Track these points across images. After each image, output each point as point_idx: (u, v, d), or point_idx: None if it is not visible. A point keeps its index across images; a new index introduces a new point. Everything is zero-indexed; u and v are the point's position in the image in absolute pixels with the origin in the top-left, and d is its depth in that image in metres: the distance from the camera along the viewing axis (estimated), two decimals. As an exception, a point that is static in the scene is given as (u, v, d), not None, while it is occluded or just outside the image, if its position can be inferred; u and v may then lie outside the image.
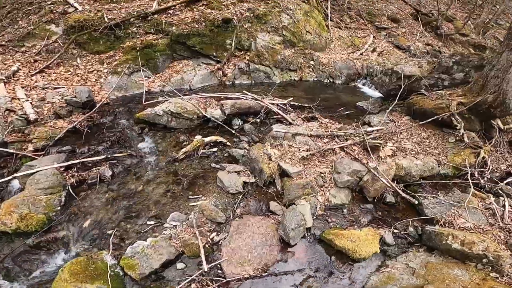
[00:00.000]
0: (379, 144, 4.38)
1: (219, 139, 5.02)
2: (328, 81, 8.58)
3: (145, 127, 5.69)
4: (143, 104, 6.11)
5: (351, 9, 11.60)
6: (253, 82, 7.58)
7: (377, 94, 7.76)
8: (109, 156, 4.76)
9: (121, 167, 4.70)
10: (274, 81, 7.79)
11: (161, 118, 5.47)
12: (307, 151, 4.36)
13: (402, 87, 5.78)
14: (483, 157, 4.52)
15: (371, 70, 8.86)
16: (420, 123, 5.07)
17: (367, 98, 7.75)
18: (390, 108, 5.62)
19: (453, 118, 4.80)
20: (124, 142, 5.42)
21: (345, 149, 4.46)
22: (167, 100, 5.70)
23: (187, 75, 7.07)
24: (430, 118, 5.13)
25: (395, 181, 4.29)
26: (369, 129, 4.85)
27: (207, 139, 4.99)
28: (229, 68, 7.48)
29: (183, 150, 4.92)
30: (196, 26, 7.14)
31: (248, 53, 7.54)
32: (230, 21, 7.37)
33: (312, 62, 8.49)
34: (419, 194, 4.22)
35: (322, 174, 4.18)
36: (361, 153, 4.49)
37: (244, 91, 6.32)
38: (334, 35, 9.67)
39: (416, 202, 4.11)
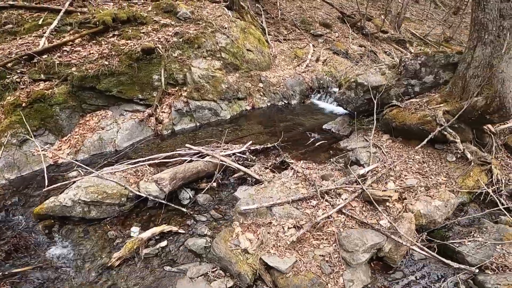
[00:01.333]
0: (387, 198, 3.28)
1: (166, 228, 3.44)
2: (283, 103, 7.52)
3: (54, 223, 3.88)
4: (47, 189, 4.23)
5: (285, 20, 10.95)
6: (197, 124, 6.10)
7: (338, 109, 6.92)
8: (6, 273, 3.01)
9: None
10: (223, 117, 6.42)
11: (73, 209, 3.69)
12: (295, 228, 3.05)
13: (375, 101, 4.91)
14: (497, 174, 3.76)
15: (321, 81, 8.09)
16: (417, 147, 4.17)
17: (330, 116, 6.88)
18: (375, 127, 4.67)
19: (446, 133, 3.98)
20: (25, 249, 3.65)
21: (343, 210, 3.27)
22: (79, 179, 3.92)
23: (107, 132, 5.29)
24: (417, 136, 4.28)
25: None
26: (361, 171, 3.75)
27: (147, 233, 3.37)
28: (163, 111, 5.90)
29: (116, 255, 3.25)
30: (107, 63, 5.45)
31: (184, 88, 6.06)
32: (154, 51, 5.84)
33: (261, 85, 7.36)
34: (451, 241, 3.23)
35: (325, 258, 2.90)
36: (364, 209, 3.35)
37: (187, 145, 4.83)
38: (276, 49, 8.76)
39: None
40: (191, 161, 4.32)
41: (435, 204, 3.44)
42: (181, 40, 6.27)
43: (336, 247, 2.97)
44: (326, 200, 3.53)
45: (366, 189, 3.40)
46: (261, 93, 7.34)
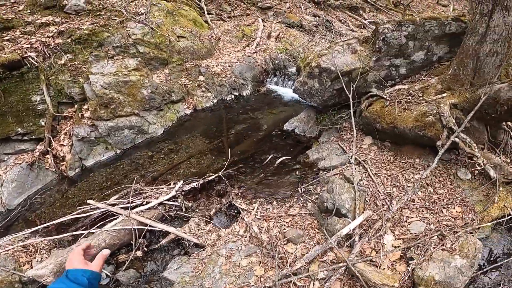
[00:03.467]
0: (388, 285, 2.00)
1: None
2: (233, 96, 5.93)
3: None
4: None
5: (228, -9, 8.89)
6: (118, 152, 4.45)
7: (295, 95, 5.49)
8: None
9: None
10: (153, 133, 4.79)
11: None
12: None
13: (350, 95, 3.50)
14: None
15: (276, 62, 6.50)
16: (428, 171, 2.85)
17: (292, 106, 5.43)
18: (355, 135, 3.31)
19: (458, 140, 2.70)
20: None
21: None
22: None
23: (-23, 194, 3.60)
24: (411, 140, 3.00)
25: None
26: (344, 229, 2.43)
27: None
28: (62, 144, 4.19)
29: None
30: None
31: (85, 106, 4.30)
32: (22, 63, 3.95)
33: (201, 78, 5.67)
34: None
35: None
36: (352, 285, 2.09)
37: (90, 201, 3.32)
38: (219, 30, 6.93)
39: None
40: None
41: (456, 263, 2.25)
42: (69, 40, 4.36)
43: None
44: (295, 285, 2.23)
45: (354, 264, 2.11)
46: (203, 89, 5.68)
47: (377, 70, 3.50)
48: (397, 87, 3.37)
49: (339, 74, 3.58)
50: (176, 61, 5.54)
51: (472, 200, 2.73)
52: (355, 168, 3.01)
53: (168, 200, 3.36)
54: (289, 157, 3.84)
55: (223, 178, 3.60)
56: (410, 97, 3.10)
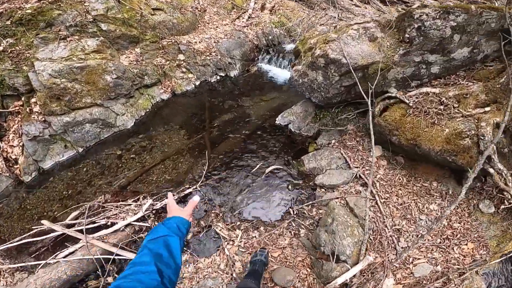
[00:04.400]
0: None
1: None
2: (218, 77, 5.15)
3: None
4: None
5: None
6: (80, 150, 3.80)
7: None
8: None
9: None
10: (121, 125, 4.11)
11: None
12: None
13: (369, 100, 2.83)
14: None
15: (270, 37, 5.60)
16: (450, 209, 2.33)
17: (286, 92, 4.71)
18: (374, 146, 2.74)
19: (492, 171, 2.15)
20: None
21: None
22: None
23: None
24: (434, 162, 2.44)
25: None
26: (340, 279, 1.98)
27: None
28: (12, 145, 3.51)
29: None
30: None
31: (33, 99, 3.54)
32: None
33: (181, 57, 4.83)
34: None
35: None
36: None
37: (43, 221, 2.81)
38: (205, 0, 5.81)
39: None
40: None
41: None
42: (9, 22, 3.43)
43: None
44: None
45: None
46: (184, 69, 4.87)
47: (402, 67, 2.77)
48: (424, 89, 2.69)
49: (352, 70, 2.83)
50: (150, 38, 4.63)
51: (487, 235, 2.26)
52: (366, 199, 2.46)
53: (137, 220, 2.85)
54: (280, 166, 3.25)
55: (202, 193, 3.05)
56: (441, 106, 2.44)
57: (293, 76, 3.49)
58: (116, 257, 2.61)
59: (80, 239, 2.68)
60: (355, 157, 2.93)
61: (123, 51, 4.31)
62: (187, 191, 3.06)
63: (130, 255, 2.62)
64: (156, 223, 2.87)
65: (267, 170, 3.22)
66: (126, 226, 2.83)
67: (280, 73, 5.14)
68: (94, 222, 2.88)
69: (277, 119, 3.97)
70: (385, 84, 2.88)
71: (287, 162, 3.37)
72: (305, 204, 2.82)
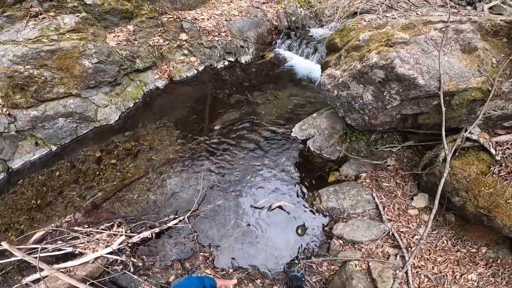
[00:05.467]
0: None
1: None
2: (226, 63, 4.34)
3: None
4: None
5: None
6: (54, 147, 3.23)
7: (315, 69, 3.93)
8: None
9: None
10: (103, 120, 3.47)
11: None
12: None
13: (443, 130, 2.06)
14: None
15: (293, 18, 4.63)
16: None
17: (308, 89, 3.89)
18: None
19: None
20: None
21: None
22: None
23: None
24: (496, 232, 1.74)
25: None
26: None
27: None
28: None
29: None
30: None
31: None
32: None
33: (184, 37, 4.02)
34: None
35: None
36: None
37: (3, 243, 2.26)
38: None
39: None
40: None
41: None
42: None
43: None
44: None
45: None
46: (186, 51, 4.07)
47: (508, 100, 1.88)
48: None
49: (442, 100, 1.88)
50: (147, 14, 3.79)
51: None
52: (395, 278, 1.79)
53: (109, 253, 2.30)
54: (291, 205, 2.57)
55: (190, 227, 2.44)
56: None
57: (325, 83, 2.63)
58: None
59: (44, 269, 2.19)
60: (391, 205, 2.23)
61: (111, 29, 3.52)
62: (172, 222, 2.46)
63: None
64: (132, 258, 2.32)
65: (274, 205, 2.56)
66: (97, 258, 2.29)
67: (302, 64, 4.27)
68: (60, 250, 2.35)
69: (293, 130, 3.21)
70: (467, 120, 2.03)
71: (300, 192, 2.69)
72: (315, 257, 2.20)
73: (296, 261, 2.25)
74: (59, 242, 2.39)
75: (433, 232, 2.09)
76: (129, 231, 2.40)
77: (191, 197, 2.67)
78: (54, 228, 2.47)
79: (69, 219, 2.61)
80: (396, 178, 2.35)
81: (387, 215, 2.21)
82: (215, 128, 3.40)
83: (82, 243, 2.37)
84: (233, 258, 2.32)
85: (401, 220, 2.16)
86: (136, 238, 2.36)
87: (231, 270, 2.25)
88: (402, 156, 2.45)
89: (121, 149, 3.21)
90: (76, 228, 2.45)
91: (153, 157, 3.11)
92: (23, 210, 2.79)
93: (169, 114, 3.59)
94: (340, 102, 2.49)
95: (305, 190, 2.70)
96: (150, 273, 2.28)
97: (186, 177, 2.88)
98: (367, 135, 2.68)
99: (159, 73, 3.92)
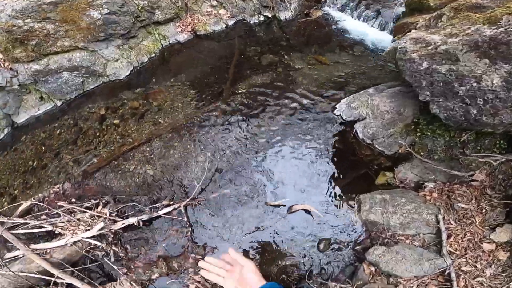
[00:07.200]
0: None
1: None
2: (262, 18, 3.57)
3: None
4: None
5: None
6: (59, 102, 2.95)
7: (375, 36, 3.03)
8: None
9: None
10: (113, 75, 3.08)
11: None
12: None
13: None
14: None
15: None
16: None
17: (362, 57, 3.01)
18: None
19: None
20: None
21: None
22: None
23: None
24: None
25: None
26: None
27: None
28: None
29: None
30: None
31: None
32: None
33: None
34: None
35: None
36: None
37: None
38: None
39: None
40: None
41: None
42: None
43: None
44: None
45: None
46: (214, 3, 3.41)
47: None
48: None
49: None
50: None
51: None
52: None
53: (90, 237, 1.93)
54: (316, 211, 1.91)
55: (186, 219, 1.95)
56: None
57: (407, 50, 1.75)
58: (58, 280, 1.82)
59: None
60: (461, 234, 1.51)
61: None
62: (164, 210, 1.98)
63: (73, 281, 1.79)
64: (114, 247, 1.92)
65: (297, 207, 1.94)
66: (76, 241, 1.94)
67: (357, 27, 3.34)
68: (41, 227, 2.05)
69: (338, 106, 2.48)
70: None
71: (333, 193, 2.02)
72: (334, 281, 1.59)
73: (307, 280, 1.67)
74: (43, 217, 2.08)
75: (502, 274, 1.33)
76: (114, 214, 1.98)
77: (195, 178, 2.15)
78: (36, 203, 2.16)
79: (58, 189, 2.29)
80: (480, 199, 1.56)
81: (451, 246, 1.49)
82: (238, 91, 2.77)
83: (62, 223, 2.02)
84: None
85: (468, 255, 1.45)
86: (119, 225, 1.94)
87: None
88: (497, 171, 1.61)
89: (128, 108, 2.79)
90: (60, 202, 2.10)
91: (160, 120, 2.64)
92: (20, 172, 2.57)
93: (187, 72, 3.06)
94: (429, 80, 1.67)
95: (340, 190, 2.02)
96: (132, 266, 1.88)
97: (194, 151, 2.36)
98: (453, 132, 1.83)
99: (181, 26, 3.32)
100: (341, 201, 1.96)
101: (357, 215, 1.87)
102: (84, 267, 1.91)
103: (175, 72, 3.05)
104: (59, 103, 2.89)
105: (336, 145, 2.26)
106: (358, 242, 1.80)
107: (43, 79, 2.69)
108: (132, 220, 1.94)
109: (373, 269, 1.64)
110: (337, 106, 2.47)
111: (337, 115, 2.42)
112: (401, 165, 2.06)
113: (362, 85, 2.67)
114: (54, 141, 2.68)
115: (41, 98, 2.84)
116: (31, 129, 2.83)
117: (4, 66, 2.59)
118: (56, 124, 2.79)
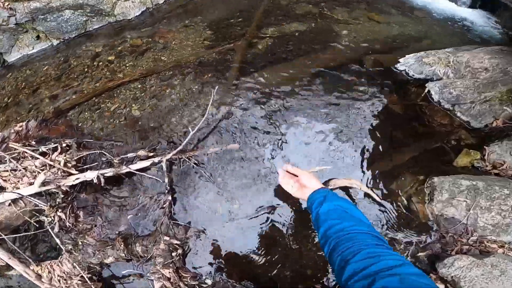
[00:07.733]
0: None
1: None
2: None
3: None
4: None
5: None
6: (56, 42, 2.53)
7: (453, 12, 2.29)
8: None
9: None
10: (121, 15, 2.59)
11: None
12: None
13: None
14: None
15: None
16: None
17: (420, 18, 2.28)
18: None
19: None
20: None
21: None
22: None
23: None
24: None
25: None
26: None
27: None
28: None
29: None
30: None
31: None
32: None
33: None
34: None
35: None
36: None
37: None
38: None
39: None
40: None
41: None
42: None
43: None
44: None
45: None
46: None
47: None
48: None
49: None
50: None
51: None
52: None
53: (32, 195, 1.40)
54: (370, 189, 1.23)
55: (168, 178, 1.35)
56: None
57: None
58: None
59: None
60: None
61: None
62: (139, 164, 1.40)
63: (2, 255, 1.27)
64: (59, 212, 1.37)
65: (336, 182, 1.29)
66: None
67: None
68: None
69: (402, 61, 1.77)
70: None
71: (387, 169, 1.32)
72: None
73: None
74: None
75: None
76: (70, 165, 1.42)
77: (194, 126, 1.54)
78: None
79: (20, 128, 1.79)
80: None
81: None
82: (264, 35, 2.14)
83: (6, 171, 1.50)
84: (220, 262, 1.17)
85: None
86: (72, 180, 1.37)
87: (208, 281, 1.11)
88: None
89: (129, 45, 2.27)
90: (12, 144, 1.58)
91: (163, 58, 2.09)
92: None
93: (206, 13, 2.50)
94: None
95: (400, 167, 1.32)
96: (80, 242, 1.30)
97: (196, 92, 1.78)
98: None
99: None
100: (401, 183, 1.26)
101: (425, 205, 1.16)
102: (23, 234, 1.38)
103: (193, 14, 2.51)
104: (56, 42, 2.49)
105: (397, 107, 1.55)
106: (422, 246, 1.10)
107: (42, 17, 2.32)
108: (91, 175, 1.36)
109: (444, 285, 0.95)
110: (400, 60, 1.77)
111: (401, 70, 1.72)
112: (494, 144, 1.33)
113: (429, 48, 1.95)
114: (38, 77, 2.23)
115: (38, 37, 2.48)
116: (20, 68, 2.42)
117: (4, 6, 2.24)
118: (46, 62, 2.36)
